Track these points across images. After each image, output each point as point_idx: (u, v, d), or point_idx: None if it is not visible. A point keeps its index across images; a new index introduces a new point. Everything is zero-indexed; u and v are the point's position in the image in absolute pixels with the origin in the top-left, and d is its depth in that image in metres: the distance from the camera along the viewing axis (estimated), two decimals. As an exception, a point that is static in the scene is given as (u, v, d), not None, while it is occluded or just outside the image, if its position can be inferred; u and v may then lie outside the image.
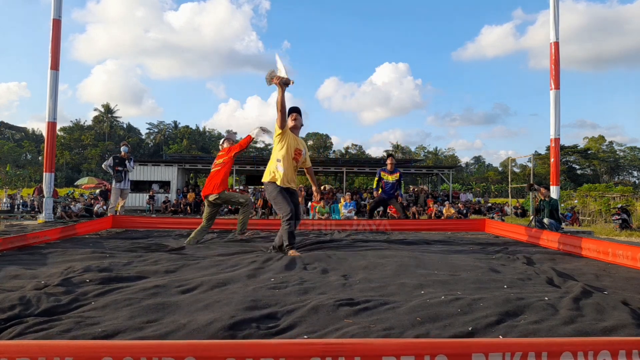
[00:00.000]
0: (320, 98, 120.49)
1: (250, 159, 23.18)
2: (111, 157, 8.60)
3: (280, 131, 4.15)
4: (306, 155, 4.46)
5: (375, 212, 10.23)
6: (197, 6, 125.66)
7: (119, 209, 8.75)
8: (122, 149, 8.65)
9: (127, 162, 8.50)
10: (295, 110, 4.31)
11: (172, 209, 17.40)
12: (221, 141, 5.77)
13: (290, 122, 4.25)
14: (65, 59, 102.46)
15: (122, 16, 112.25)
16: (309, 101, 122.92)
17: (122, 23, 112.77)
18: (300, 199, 4.79)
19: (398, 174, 8.24)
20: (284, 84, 4.03)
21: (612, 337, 1.84)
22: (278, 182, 4.19)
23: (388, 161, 8.35)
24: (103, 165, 8.90)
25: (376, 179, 8.44)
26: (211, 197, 5.32)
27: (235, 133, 5.84)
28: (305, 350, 1.37)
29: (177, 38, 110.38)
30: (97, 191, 19.94)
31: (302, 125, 4.40)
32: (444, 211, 15.63)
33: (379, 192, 8.41)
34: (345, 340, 1.49)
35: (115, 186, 8.49)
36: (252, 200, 5.64)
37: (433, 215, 15.60)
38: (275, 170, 4.22)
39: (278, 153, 4.21)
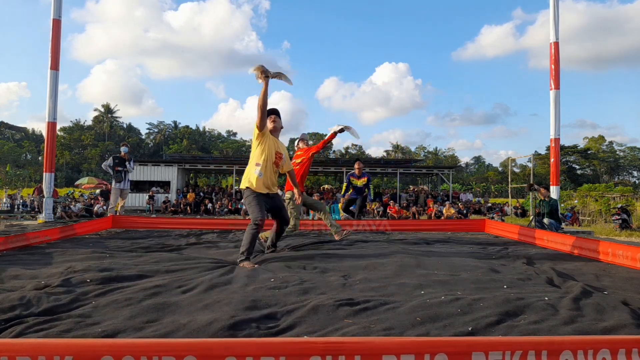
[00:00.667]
0: (320, 98, 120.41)
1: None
2: (111, 157, 8.59)
3: (259, 132, 3.92)
4: (286, 159, 4.28)
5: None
6: (196, 6, 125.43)
7: (118, 209, 8.74)
8: (122, 149, 8.65)
9: (127, 162, 8.50)
10: (274, 112, 4.13)
11: (172, 209, 17.40)
12: (296, 142, 5.79)
13: (269, 124, 4.04)
14: (65, 58, 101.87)
15: (122, 16, 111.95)
16: (309, 101, 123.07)
17: (122, 23, 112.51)
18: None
19: (366, 179, 8.28)
20: (276, 76, 3.81)
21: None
22: (254, 188, 3.92)
23: (356, 166, 8.36)
24: (103, 166, 8.89)
25: (345, 184, 8.49)
26: (288, 195, 5.11)
27: (307, 134, 5.83)
28: (306, 348, 1.37)
29: (177, 38, 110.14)
30: (97, 191, 19.94)
31: (281, 127, 4.21)
32: (444, 211, 15.64)
33: (348, 195, 8.54)
34: (345, 339, 1.49)
35: (115, 186, 8.48)
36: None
37: (433, 215, 15.61)
38: (252, 176, 3.94)
39: (258, 157, 3.95)
